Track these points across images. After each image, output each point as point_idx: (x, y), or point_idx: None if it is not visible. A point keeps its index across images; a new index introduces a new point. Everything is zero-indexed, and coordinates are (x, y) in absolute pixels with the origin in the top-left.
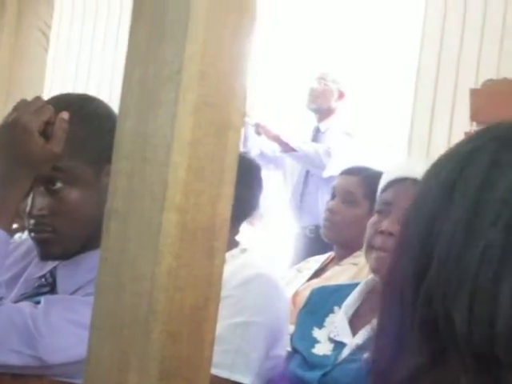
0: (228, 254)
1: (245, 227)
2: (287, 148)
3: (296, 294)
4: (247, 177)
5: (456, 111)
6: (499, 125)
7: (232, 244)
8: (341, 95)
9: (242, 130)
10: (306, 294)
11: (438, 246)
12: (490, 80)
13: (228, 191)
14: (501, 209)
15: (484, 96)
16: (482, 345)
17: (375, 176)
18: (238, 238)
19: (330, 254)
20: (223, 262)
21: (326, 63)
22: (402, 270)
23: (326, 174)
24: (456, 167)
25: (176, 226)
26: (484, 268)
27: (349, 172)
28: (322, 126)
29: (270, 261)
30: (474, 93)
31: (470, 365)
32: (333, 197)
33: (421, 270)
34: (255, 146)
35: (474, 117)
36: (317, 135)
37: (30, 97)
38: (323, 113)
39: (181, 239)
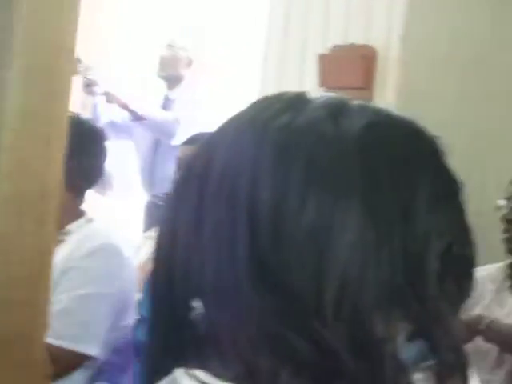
0: (74, 225)
1: (96, 197)
2: (137, 116)
3: (145, 262)
4: (90, 145)
5: (305, 77)
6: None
7: (78, 214)
8: (190, 63)
9: (92, 99)
10: None
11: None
12: (338, 45)
13: (58, 158)
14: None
15: (332, 61)
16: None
17: None
18: (84, 207)
19: None
20: (54, 229)
21: (175, 30)
22: None
23: (175, 142)
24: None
25: (4, 192)
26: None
27: (189, 142)
28: (172, 94)
29: (121, 230)
30: (321, 58)
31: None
32: (178, 168)
33: None
34: (105, 115)
35: (322, 82)
36: (166, 103)
37: None
38: (173, 81)
39: (9, 206)
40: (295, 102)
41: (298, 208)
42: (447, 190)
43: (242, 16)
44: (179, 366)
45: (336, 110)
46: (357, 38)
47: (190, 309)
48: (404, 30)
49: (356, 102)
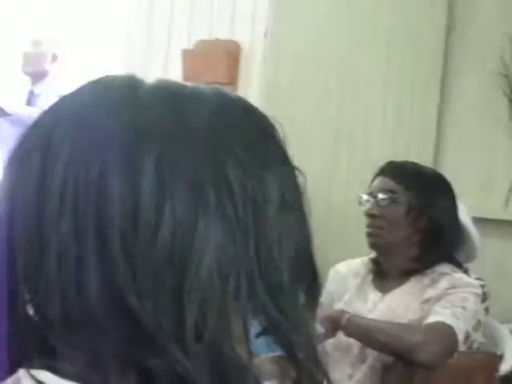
0: None
1: None
2: (2, 112)
3: None
4: None
5: (169, 72)
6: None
7: None
8: (54, 58)
9: None
10: None
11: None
12: (202, 40)
13: None
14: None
15: (196, 57)
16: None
17: None
18: None
19: None
20: None
21: (40, 26)
22: None
23: None
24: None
25: None
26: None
27: None
28: (37, 89)
29: None
30: (185, 53)
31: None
32: None
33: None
34: None
35: (186, 78)
36: (31, 98)
37: None
38: (37, 76)
39: None
40: (128, 93)
41: (152, 225)
42: (294, 190)
43: (105, 10)
44: (30, 363)
45: (174, 101)
46: (221, 33)
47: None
48: (268, 27)
49: (190, 87)
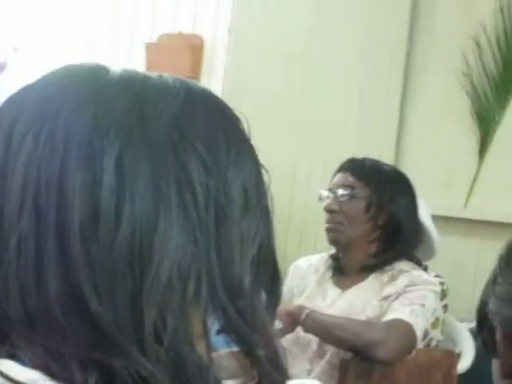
0: None
1: None
2: None
3: None
4: None
5: (132, 66)
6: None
7: None
8: (15, 50)
9: None
10: None
11: None
12: (165, 34)
13: None
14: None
15: (159, 50)
16: None
17: None
18: None
19: None
20: None
21: (0, 17)
22: None
23: None
24: None
25: None
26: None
27: None
28: None
29: None
30: (149, 47)
31: None
32: None
33: None
34: None
35: (149, 71)
36: None
37: None
38: None
39: None
40: (94, 85)
41: (111, 225)
42: (258, 189)
43: (68, 3)
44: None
45: (139, 96)
46: (184, 27)
47: None
48: (231, 21)
49: (155, 80)
